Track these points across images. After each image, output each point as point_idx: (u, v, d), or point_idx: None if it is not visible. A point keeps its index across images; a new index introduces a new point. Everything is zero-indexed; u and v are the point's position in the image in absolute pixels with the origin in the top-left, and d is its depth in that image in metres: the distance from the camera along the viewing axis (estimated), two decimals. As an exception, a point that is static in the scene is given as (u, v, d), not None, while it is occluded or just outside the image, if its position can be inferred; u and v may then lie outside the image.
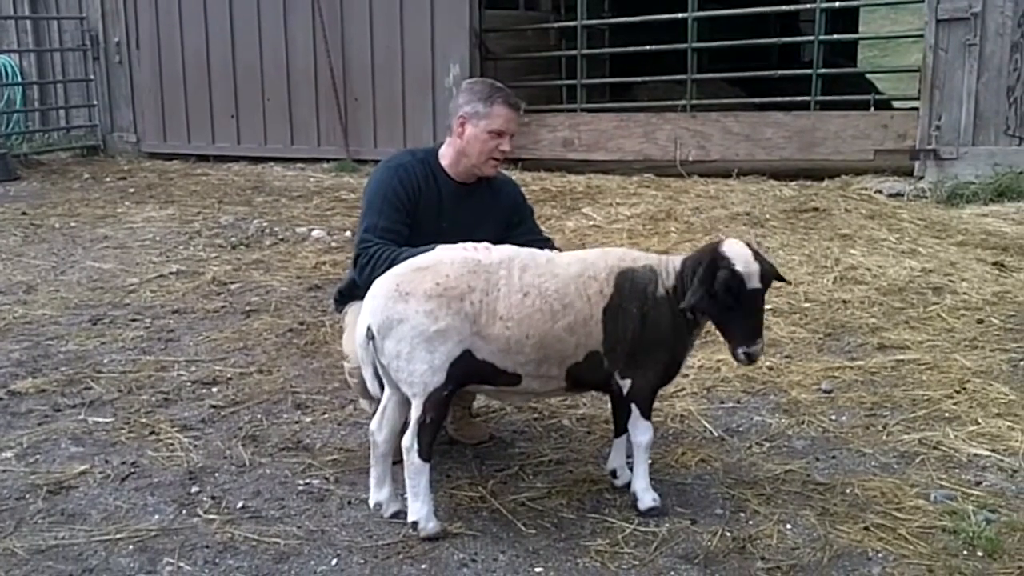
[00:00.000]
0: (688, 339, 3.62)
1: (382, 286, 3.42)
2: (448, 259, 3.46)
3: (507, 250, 3.57)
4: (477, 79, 4.18)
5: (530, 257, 3.53)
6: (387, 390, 3.49)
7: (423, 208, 3.99)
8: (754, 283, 3.34)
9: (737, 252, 3.37)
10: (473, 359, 3.37)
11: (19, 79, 14.49)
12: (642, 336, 3.48)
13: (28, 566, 3.31)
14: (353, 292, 4.06)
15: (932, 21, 9.57)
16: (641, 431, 3.58)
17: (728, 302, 3.34)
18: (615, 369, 3.51)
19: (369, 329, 3.39)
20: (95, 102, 14.08)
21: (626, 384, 3.54)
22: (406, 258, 3.59)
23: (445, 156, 4.09)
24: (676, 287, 3.49)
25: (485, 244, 3.58)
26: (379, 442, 3.55)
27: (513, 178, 4.50)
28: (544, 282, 3.43)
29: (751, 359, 3.42)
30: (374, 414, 3.59)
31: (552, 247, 4.07)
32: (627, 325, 3.46)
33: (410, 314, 3.32)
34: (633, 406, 3.56)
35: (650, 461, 3.69)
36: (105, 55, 13.89)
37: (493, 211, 4.14)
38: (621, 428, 3.76)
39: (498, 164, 4.08)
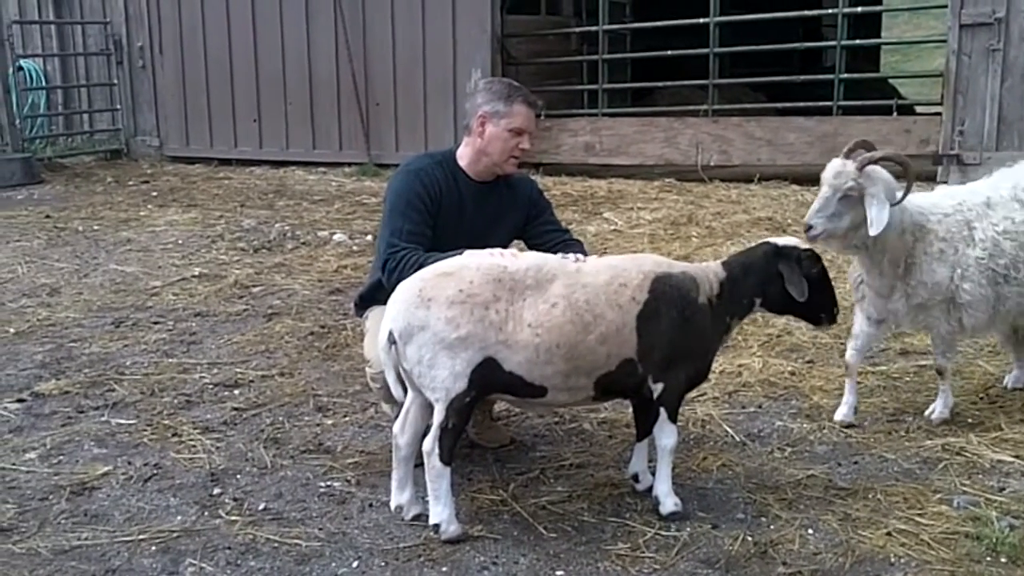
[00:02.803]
0: (719, 346, 3.71)
1: (405, 291, 3.42)
2: (474, 265, 3.43)
3: (535, 257, 3.56)
4: (495, 78, 4.19)
5: (560, 266, 3.50)
6: (410, 393, 3.50)
7: (445, 209, 4.00)
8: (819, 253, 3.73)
9: (790, 242, 3.72)
10: (499, 369, 3.35)
11: (43, 83, 14.67)
12: (682, 341, 3.50)
13: (52, 566, 3.34)
14: (374, 296, 4.08)
15: (955, 26, 9.52)
16: (667, 434, 3.58)
17: (816, 279, 3.63)
18: (650, 373, 3.52)
19: (391, 334, 3.39)
20: (118, 106, 14.24)
21: (658, 388, 3.54)
22: (433, 263, 3.58)
23: (463, 156, 4.10)
24: (720, 294, 3.58)
25: (512, 251, 3.58)
26: (401, 445, 3.56)
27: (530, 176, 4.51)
28: (573, 292, 3.40)
29: (836, 317, 3.79)
30: (397, 417, 3.60)
31: (579, 247, 4.08)
32: (664, 330, 3.46)
33: (431, 321, 3.32)
34: (661, 409, 3.57)
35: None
36: (129, 59, 14.04)
37: (512, 208, 4.16)
38: (643, 432, 3.76)
39: (518, 162, 4.09)
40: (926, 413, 4.48)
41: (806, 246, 3.71)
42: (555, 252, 3.89)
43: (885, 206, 4.00)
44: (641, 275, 3.49)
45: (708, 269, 3.64)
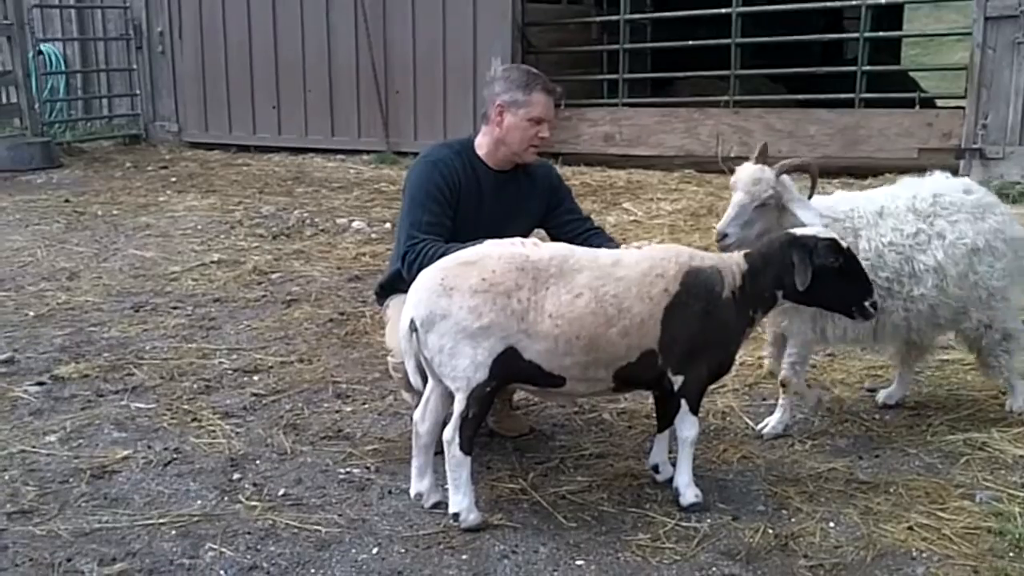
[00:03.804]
0: (742, 339, 3.68)
1: (427, 279, 3.40)
2: (496, 254, 3.40)
3: (560, 247, 3.54)
4: (512, 66, 4.15)
5: (590, 258, 3.47)
6: (430, 381, 3.49)
7: (464, 199, 3.99)
8: (843, 242, 3.58)
9: (810, 231, 3.62)
10: (519, 358, 3.34)
11: (63, 67, 14.71)
12: (704, 334, 3.48)
13: (72, 548, 3.36)
14: (395, 286, 4.06)
15: (980, 19, 9.42)
16: (688, 426, 3.57)
17: (841, 266, 3.52)
18: (669, 366, 3.50)
19: (412, 322, 3.38)
20: (138, 91, 14.28)
21: (678, 380, 3.53)
22: (456, 252, 3.56)
23: (482, 146, 4.08)
24: (743, 286, 3.54)
25: (534, 240, 3.56)
26: (422, 433, 3.55)
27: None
28: (602, 285, 3.38)
29: (875, 309, 3.66)
30: (417, 405, 3.59)
31: (605, 237, 4.09)
32: (688, 323, 3.45)
33: (454, 309, 3.30)
34: (683, 401, 3.55)
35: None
36: (148, 45, 14.06)
37: (531, 196, 4.15)
38: (664, 424, 3.74)
39: (537, 150, 4.07)
40: (758, 427, 4.30)
41: (827, 235, 3.59)
42: (582, 243, 3.90)
43: (811, 208, 3.90)
44: (676, 266, 3.47)
45: (731, 261, 3.61)
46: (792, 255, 3.51)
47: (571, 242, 4.06)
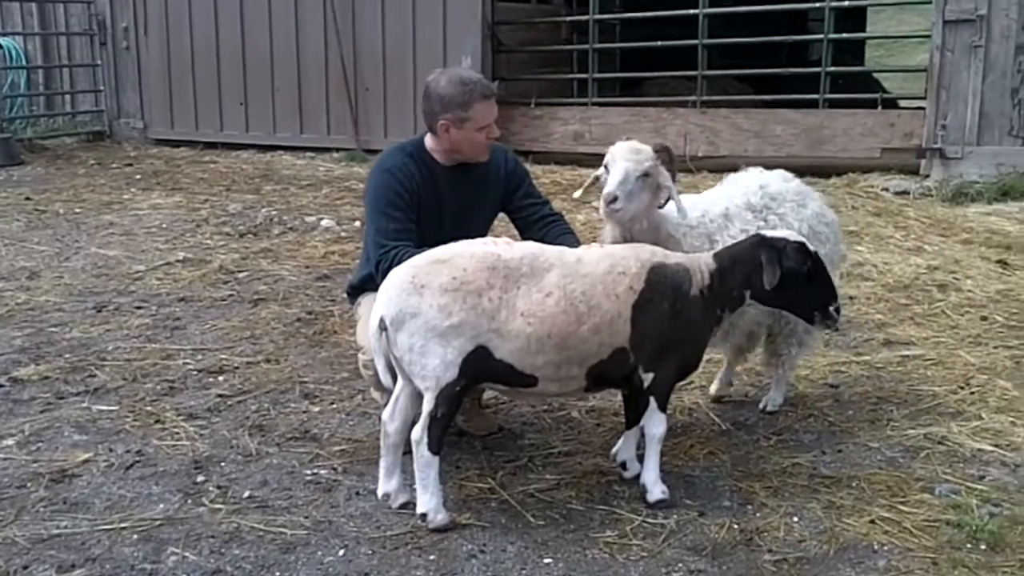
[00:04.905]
0: (709, 337, 3.71)
1: (398, 277, 3.40)
2: (468, 252, 3.41)
3: (531, 246, 3.55)
4: (442, 76, 4.03)
5: (557, 256, 3.49)
6: (400, 380, 3.49)
7: (424, 200, 4.01)
8: (812, 246, 3.65)
9: (781, 233, 3.67)
10: (490, 357, 3.34)
11: (23, 62, 14.45)
12: (672, 332, 3.50)
13: (29, 555, 3.30)
14: (365, 287, 4.08)
15: (939, 22, 9.59)
16: (656, 423, 3.59)
17: (808, 269, 3.58)
18: (640, 363, 3.52)
19: (382, 320, 3.37)
20: (101, 87, 14.06)
21: (648, 377, 3.55)
22: None
23: (434, 149, 4.08)
24: (711, 285, 3.57)
25: (506, 239, 3.57)
26: (391, 432, 3.54)
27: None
28: (570, 283, 3.40)
29: (839, 315, 3.70)
30: (386, 404, 3.59)
31: (565, 225, 4.13)
32: (657, 320, 3.47)
33: (424, 308, 3.30)
34: (652, 399, 3.58)
35: (658, 454, 3.69)
36: (112, 40, 13.86)
37: (490, 185, 4.17)
38: (632, 421, 3.76)
39: (488, 147, 4.07)
40: (760, 404, 4.40)
41: (797, 238, 3.64)
42: (540, 230, 4.02)
43: (677, 196, 3.84)
44: (639, 264, 3.49)
45: (700, 260, 3.65)
46: (761, 255, 3.55)
47: (530, 226, 4.15)
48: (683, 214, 3.86)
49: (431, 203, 4.02)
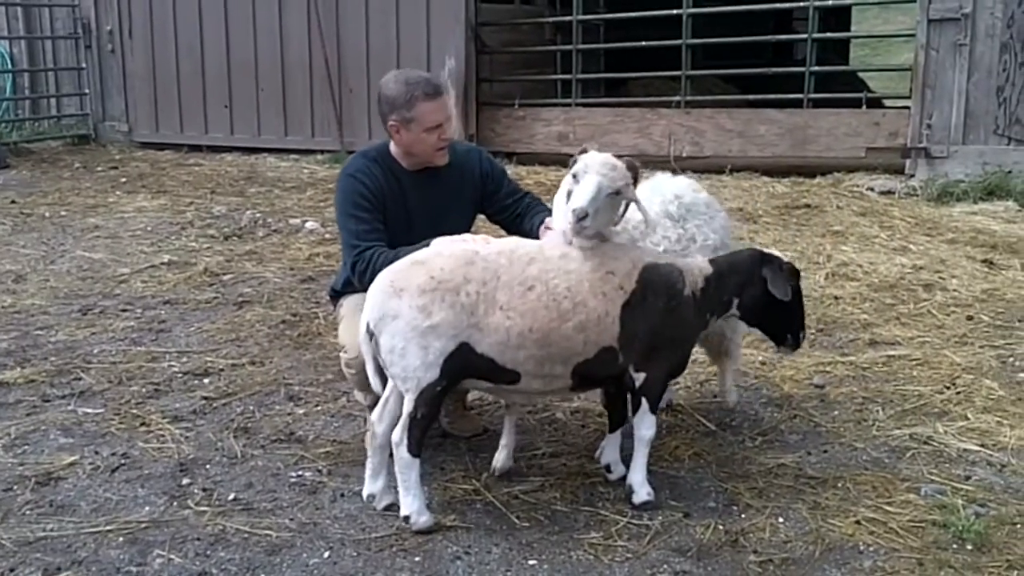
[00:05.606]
0: (696, 339, 3.77)
1: (379, 282, 3.43)
2: (445, 252, 3.44)
3: (510, 241, 3.56)
4: (391, 77, 4.02)
5: (538, 250, 3.50)
6: (389, 382, 3.49)
7: (389, 203, 4.00)
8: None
9: (774, 252, 3.75)
10: (472, 352, 3.35)
11: (9, 66, 14.40)
12: (664, 330, 3.51)
13: (15, 558, 3.29)
14: (346, 291, 4.08)
15: (924, 21, 9.60)
16: (646, 425, 3.60)
17: (793, 290, 3.68)
18: (631, 363, 3.52)
19: (368, 325, 3.39)
20: (87, 91, 14.01)
21: (640, 377, 3.55)
22: (404, 256, 3.55)
23: (396, 153, 4.08)
24: (705, 288, 3.59)
25: (485, 236, 3.57)
26: (378, 433, 3.54)
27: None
28: (553, 278, 3.39)
29: (803, 340, 3.88)
30: (373, 405, 3.58)
31: (542, 207, 4.08)
32: (649, 319, 3.47)
33: (404, 310, 3.31)
34: (643, 399, 3.58)
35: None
36: (97, 43, 13.80)
37: (462, 189, 4.14)
38: (616, 424, 3.76)
39: (444, 149, 4.03)
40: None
41: (787, 259, 3.73)
42: (522, 219, 4.01)
43: (649, 211, 3.73)
44: (629, 263, 3.49)
45: (695, 263, 3.67)
46: (764, 269, 3.63)
47: (515, 221, 4.13)
48: (652, 226, 3.79)
49: (397, 207, 4.02)
